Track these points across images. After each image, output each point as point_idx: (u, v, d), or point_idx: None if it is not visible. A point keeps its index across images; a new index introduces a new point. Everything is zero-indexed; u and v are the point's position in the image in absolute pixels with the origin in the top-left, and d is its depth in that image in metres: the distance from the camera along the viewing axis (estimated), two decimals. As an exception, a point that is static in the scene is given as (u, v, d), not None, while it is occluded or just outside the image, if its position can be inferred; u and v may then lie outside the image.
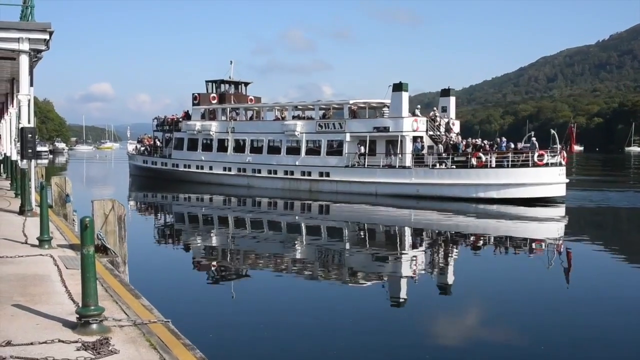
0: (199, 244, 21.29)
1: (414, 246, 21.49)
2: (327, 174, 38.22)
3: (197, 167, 45.70)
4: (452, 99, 40.14)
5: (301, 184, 39.36)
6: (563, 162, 32.88)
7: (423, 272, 17.00)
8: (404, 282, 15.65)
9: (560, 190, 32.55)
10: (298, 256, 19.01)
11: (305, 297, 13.81)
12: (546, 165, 32.20)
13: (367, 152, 37.06)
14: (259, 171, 41.71)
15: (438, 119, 38.19)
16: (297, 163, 39.87)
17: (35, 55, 14.21)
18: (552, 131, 36.54)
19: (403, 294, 14.29)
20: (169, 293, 13.22)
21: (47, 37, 13.60)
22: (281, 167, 40.57)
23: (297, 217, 29.37)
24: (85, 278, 5.88)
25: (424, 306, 13.14)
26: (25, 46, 13.55)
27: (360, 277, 15.99)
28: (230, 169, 43.46)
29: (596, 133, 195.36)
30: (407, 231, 25.07)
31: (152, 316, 6.42)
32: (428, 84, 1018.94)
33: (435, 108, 40.35)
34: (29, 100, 14.36)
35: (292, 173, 39.98)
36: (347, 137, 37.98)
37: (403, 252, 20.25)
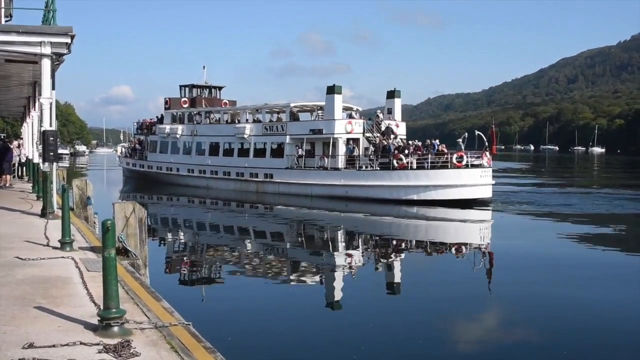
0: (213, 246, 21.33)
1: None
2: (271, 176, 38.65)
3: (167, 169, 47.08)
4: (398, 101, 40.17)
5: (250, 185, 39.96)
6: (486, 164, 32.39)
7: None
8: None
9: (484, 192, 32.09)
10: (319, 262, 18.81)
11: (329, 302, 13.69)
12: (466, 166, 31.83)
13: (304, 154, 37.34)
14: (216, 173, 42.61)
15: (379, 120, 38.10)
16: (246, 165, 40.48)
17: (57, 59, 14.31)
18: (477, 132, 36.11)
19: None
20: (190, 296, 13.23)
21: (68, 40, 13.67)
22: (234, 169, 41.30)
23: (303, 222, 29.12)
24: (107, 280, 5.89)
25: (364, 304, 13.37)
26: (47, 50, 13.63)
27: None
28: (193, 171, 44.59)
29: (618, 135, 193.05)
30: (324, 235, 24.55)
31: (173, 319, 6.42)
32: (448, 86, 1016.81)
33: (379, 110, 40.40)
34: (50, 104, 14.43)
35: (242, 175, 40.65)
36: (288, 139, 38.28)
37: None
